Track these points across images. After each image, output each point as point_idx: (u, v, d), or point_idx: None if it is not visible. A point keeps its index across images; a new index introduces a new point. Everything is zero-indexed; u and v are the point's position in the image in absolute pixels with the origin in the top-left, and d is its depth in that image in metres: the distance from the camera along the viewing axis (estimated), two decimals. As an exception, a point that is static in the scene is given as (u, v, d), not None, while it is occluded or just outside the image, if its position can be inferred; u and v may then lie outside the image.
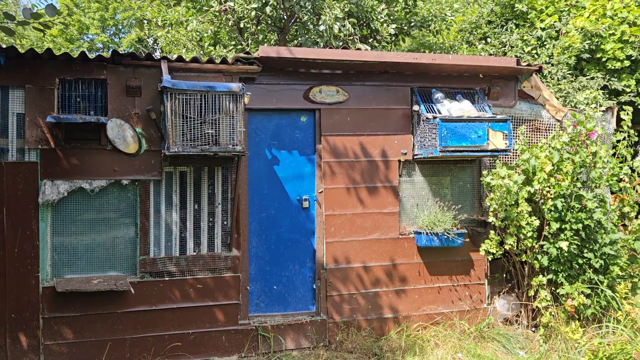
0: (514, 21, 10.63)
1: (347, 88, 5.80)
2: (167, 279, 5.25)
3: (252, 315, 5.57)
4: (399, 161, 5.92)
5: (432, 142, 5.53)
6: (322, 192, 5.73)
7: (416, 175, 6.02)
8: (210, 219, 5.42)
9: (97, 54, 5.00)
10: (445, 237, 5.65)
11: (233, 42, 8.78)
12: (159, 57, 5.12)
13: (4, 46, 4.64)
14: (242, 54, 5.32)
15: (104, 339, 5.07)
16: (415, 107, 5.84)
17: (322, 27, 7.18)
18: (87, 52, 4.91)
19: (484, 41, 11.62)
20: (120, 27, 23.11)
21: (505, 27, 10.85)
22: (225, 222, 5.45)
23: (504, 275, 6.20)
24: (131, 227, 5.22)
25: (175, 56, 5.18)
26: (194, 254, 5.35)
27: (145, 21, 9.45)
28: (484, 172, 5.71)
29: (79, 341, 5.01)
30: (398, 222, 5.92)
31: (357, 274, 5.79)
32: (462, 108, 5.65)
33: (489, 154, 5.57)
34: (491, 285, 6.22)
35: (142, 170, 5.17)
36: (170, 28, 8.94)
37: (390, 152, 5.89)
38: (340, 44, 7.63)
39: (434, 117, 5.47)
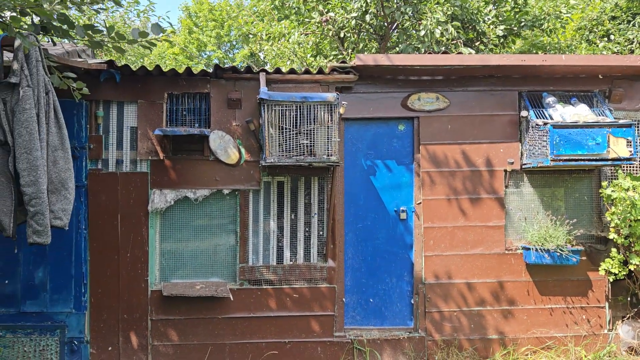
0: (643, 15, 9.60)
1: (447, 94, 5.53)
2: (264, 287, 5.33)
3: (347, 327, 5.48)
4: (505, 171, 5.52)
5: (543, 150, 5.09)
6: (420, 203, 5.50)
7: (525, 186, 5.58)
8: (307, 229, 5.42)
9: (202, 69, 5.23)
10: (558, 254, 5.15)
11: (334, 52, 8.83)
12: (258, 70, 5.23)
13: (119, 65, 5.01)
14: (338, 64, 5.28)
15: (206, 343, 5.25)
16: (524, 113, 5.41)
17: (422, 32, 6.95)
18: (191, 68, 5.15)
19: (606, 39, 10.63)
20: (234, 43, 24.37)
21: (632, 23, 9.84)
22: (321, 233, 5.43)
23: (629, 299, 5.52)
24: (231, 235, 5.38)
25: (273, 68, 5.27)
26: (291, 263, 5.39)
27: (251, 35, 9.83)
28: (604, 184, 5.14)
29: (183, 344, 5.24)
30: (504, 236, 5.52)
31: (459, 291, 5.48)
32: (578, 113, 5.14)
33: (609, 163, 5.00)
34: (613, 309, 5.57)
35: (242, 180, 5.31)
36: (274, 41, 9.21)
37: (496, 161, 5.52)
38: (443, 48, 7.35)
39: (545, 123, 5.03)
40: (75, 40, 3.88)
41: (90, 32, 3.68)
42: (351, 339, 5.36)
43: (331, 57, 8.81)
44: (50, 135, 3.29)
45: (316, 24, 8.11)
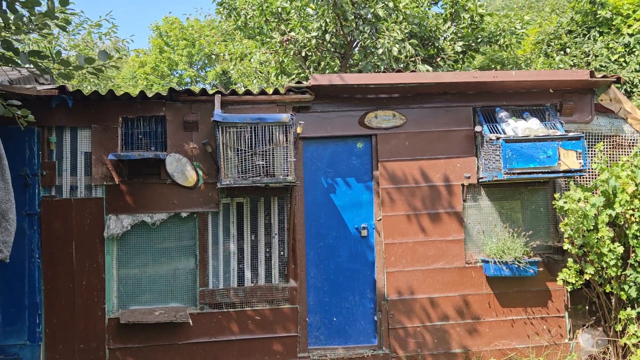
0: (597, 29, 9.89)
1: (404, 112, 5.60)
2: (225, 310, 5.26)
3: (311, 347, 5.43)
4: (463, 185, 5.60)
5: (497, 164, 5.18)
6: (380, 219, 5.53)
7: (482, 200, 5.66)
8: (267, 250, 5.39)
9: (156, 92, 5.19)
10: (516, 265, 5.23)
11: (296, 71, 8.89)
12: (213, 92, 5.22)
13: (70, 90, 4.94)
14: (293, 84, 5.31)
15: (166, 370, 5.14)
16: (478, 128, 5.52)
17: (380, 51, 7.05)
18: (145, 92, 5.11)
19: (562, 52, 10.94)
20: (206, 61, 24.32)
21: (587, 36, 10.15)
22: (282, 253, 5.40)
23: (587, 307, 5.62)
24: (191, 259, 5.31)
25: (229, 90, 5.27)
26: (252, 285, 5.33)
27: (213, 56, 9.85)
28: (556, 195, 5.25)
29: (142, 372, 5.12)
30: (464, 250, 5.57)
31: (422, 306, 5.49)
32: (529, 127, 5.25)
33: (561, 175, 5.12)
34: (573, 318, 5.66)
35: (200, 203, 5.26)
36: (236, 61, 9.23)
37: (453, 176, 5.59)
38: (401, 66, 7.46)
39: (497, 138, 5.13)
40: (20, 67, 3.81)
41: (36, 58, 3.61)
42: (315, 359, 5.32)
43: (293, 76, 8.87)
44: (-11, 166, 3.21)
45: (278, 43, 8.17)
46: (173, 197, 5.22)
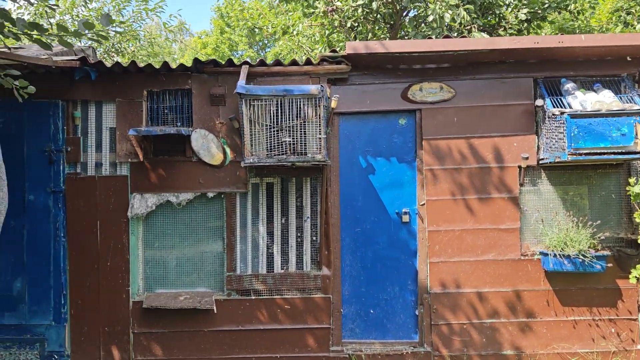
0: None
1: (453, 84, 4.99)
2: (253, 297, 4.92)
3: (345, 341, 5.01)
4: (520, 167, 4.94)
5: (560, 143, 4.49)
6: (424, 204, 4.98)
7: (542, 184, 4.98)
8: (299, 234, 4.99)
9: (181, 63, 4.86)
10: (580, 260, 4.55)
11: (341, 44, 8.34)
12: (241, 62, 4.82)
13: (92, 61, 4.69)
14: (327, 53, 4.82)
15: (191, 358, 4.89)
16: (539, 102, 4.82)
17: (430, 18, 6.38)
18: (169, 62, 4.78)
19: (644, 20, 9.75)
20: (266, 41, 24.03)
21: (673, 1, 8.97)
22: (314, 238, 4.98)
23: (666, 310, 4.87)
24: (218, 242, 4.99)
25: (257, 61, 4.85)
26: (282, 271, 4.96)
27: (257, 29, 9.46)
28: (631, 180, 4.50)
29: (167, 358, 4.89)
30: (519, 240, 4.94)
31: (469, 301, 4.93)
32: (601, 100, 4.51)
33: (638, 156, 4.37)
34: (648, 322, 4.92)
35: (228, 182, 4.91)
36: (280, 35, 8.80)
37: (508, 156, 4.94)
38: (455, 35, 6.77)
39: (561, 113, 4.43)
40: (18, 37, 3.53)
41: (34, 30, 3.33)
42: (349, 354, 4.89)
43: (339, 49, 8.32)
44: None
45: (321, 14, 7.64)
46: (199, 175, 4.91)
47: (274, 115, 4.28)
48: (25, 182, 4.84)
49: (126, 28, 9.88)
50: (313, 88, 4.22)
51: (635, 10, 9.95)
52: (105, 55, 10.37)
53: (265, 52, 23.51)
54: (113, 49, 10.38)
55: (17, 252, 4.84)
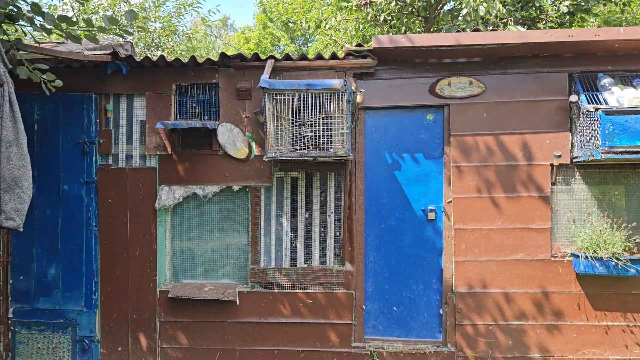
0: None
1: (483, 78, 4.85)
2: (276, 291, 4.95)
3: (368, 337, 4.99)
4: (552, 165, 4.76)
5: (595, 141, 4.30)
6: (450, 201, 4.88)
7: (576, 183, 4.79)
8: (322, 229, 4.98)
9: (207, 57, 4.92)
10: (614, 263, 4.36)
11: (375, 38, 8.22)
12: (267, 57, 4.84)
13: (123, 55, 4.81)
14: (353, 47, 4.77)
15: (215, 348, 4.98)
16: (573, 98, 4.63)
17: (464, 11, 6.22)
18: (196, 57, 4.85)
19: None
20: (308, 36, 24.07)
21: None
22: (338, 233, 4.96)
23: None
24: (243, 235, 5.05)
25: (283, 55, 4.86)
26: (305, 266, 4.97)
27: (291, 23, 9.46)
28: (670, 181, 4.28)
29: (191, 347, 4.99)
30: (550, 241, 4.77)
31: (495, 302, 4.81)
32: (639, 96, 4.29)
33: (677, 155, 4.14)
34: (687, 330, 4.67)
35: (253, 176, 4.96)
36: (313, 28, 8.77)
37: (540, 154, 4.77)
38: (490, 29, 6.56)
39: (596, 109, 4.24)
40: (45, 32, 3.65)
41: (65, 24, 3.43)
42: (370, 351, 4.86)
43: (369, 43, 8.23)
44: (4, 130, 3.09)
45: (354, 8, 7.56)
46: (225, 169, 4.97)
47: (296, 110, 4.28)
48: (60, 173, 5.02)
49: (165, 24, 10.09)
50: (336, 82, 4.19)
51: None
52: (145, 50, 10.62)
53: (307, 47, 23.53)
54: (153, 44, 10.62)
55: (52, 240, 5.04)
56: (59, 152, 5.03)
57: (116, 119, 5.09)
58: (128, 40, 7.98)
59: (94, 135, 5.05)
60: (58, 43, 5.94)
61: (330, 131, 4.27)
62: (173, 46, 10.93)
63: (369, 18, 7.58)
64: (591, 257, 4.44)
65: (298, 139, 4.28)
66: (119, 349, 5.04)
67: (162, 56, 4.83)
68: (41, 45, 4.57)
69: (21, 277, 5.09)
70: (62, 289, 5.06)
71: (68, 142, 5.03)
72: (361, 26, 8.12)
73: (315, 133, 4.26)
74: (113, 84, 5.04)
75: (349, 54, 4.80)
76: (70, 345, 5.05)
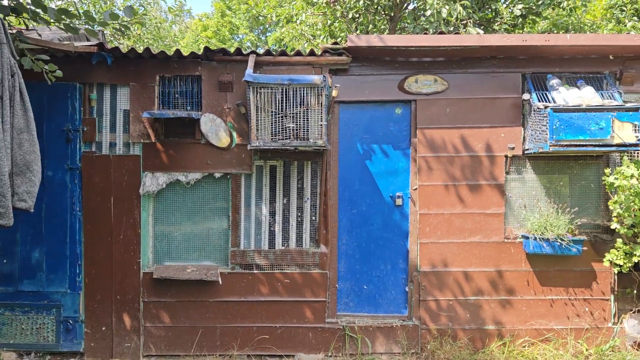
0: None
1: (446, 77, 5.33)
2: (256, 271, 5.30)
3: (340, 314, 5.42)
4: (506, 156, 5.30)
5: (544, 135, 4.85)
6: (416, 189, 5.35)
7: (527, 173, 5.35)
8: (299, 214, 5.35)
9: (191, 51, 5.17)
10: (558, 243, 4.94)
11: (343, 34, 8.63)
12: (249, 52, 5.14)
13: (109, 47, 5.00)
14: (329, 45, 5.14)
15: (197, 326, 5.28)
16: (526, 96, 5.17)
17: (428, 12, 6.69)
18: (181, 50, 5.10)
19: (636, 18, 10.07)
20: (267, 26, 24.16)
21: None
22: (314, 218, 5.34)
23: (636, 292, 5.27)
24: (224, 219, 5.35)
25: (263, 50, 5.17)
26: (282, 248, 5.33)
27: (261, 17, 9.72)
28: (607, 171, 4.88)
29: (174, 325, 5.27)
30: (503, 224, 5.32)
31: (455, 280, 5.33)
32: (582, 96, 4.87)
33: (614, 149, 4.73)
34: (619, 302, 5.33)
35: (234, 164, 5.26)
36: (284, 23, 9.07)
37: (496, 146, 5.30)
38: (452, 29, 7.08)
39: (545, 107, 4.79)
40: (51, 25, 3.85)
41: (64, 16, 3.64)
42: (343, 326, 5.29)
43: (340, 39, 8.63)
44: (16, 118, 3.30)
45: (324, 4, 7.92)
46: (207, 157, 5.25)
47: (279, 103, 4.62)
48: (45, 160, 5.16)
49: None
50: (316, 78, 4.56)
51: (628, 8, 10.27)
52: (111, 38, 10.62)
53: (266, 37, 23.67)
54: (118, 32, 10.61)
55: (37, 225, 5.19)
56: (43, 139, 5.16)
57: (100, 107, 5.27)
58: (99, 29, 8.05)
59: (78, 123, 5.21)
60: (27, 30, 6.01)
61: (310, 123, 4.64)
62: (139, 34, 10.96)
63: (337, 15, 7.96)
64: (539, 238, 5.01)
65: (280, 129, 4.62)
66: (103, 328, 5.27)
67: (147, 49, 5.05)
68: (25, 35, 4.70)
69: (4, 261, 5.22)
70: (46, 271, 5.23)
71: (52, 129, 5.18)
72: (329, 21, 8.48)
73: (296, 124, 4.62)
74: (97, 74, 5.21)
75: (325, 51, 5.17)
76: (54, 325, 5.23)
